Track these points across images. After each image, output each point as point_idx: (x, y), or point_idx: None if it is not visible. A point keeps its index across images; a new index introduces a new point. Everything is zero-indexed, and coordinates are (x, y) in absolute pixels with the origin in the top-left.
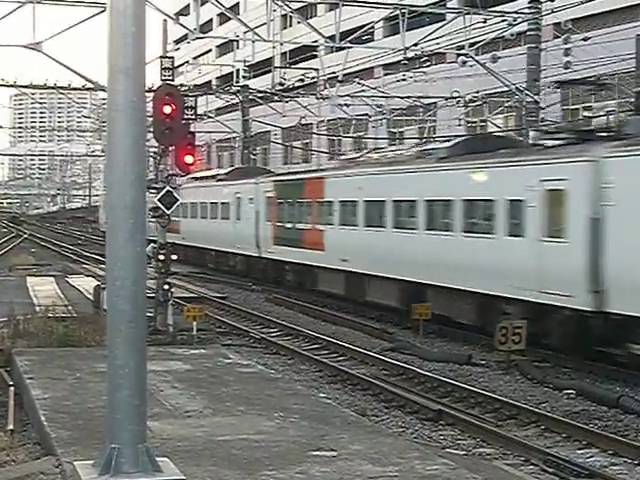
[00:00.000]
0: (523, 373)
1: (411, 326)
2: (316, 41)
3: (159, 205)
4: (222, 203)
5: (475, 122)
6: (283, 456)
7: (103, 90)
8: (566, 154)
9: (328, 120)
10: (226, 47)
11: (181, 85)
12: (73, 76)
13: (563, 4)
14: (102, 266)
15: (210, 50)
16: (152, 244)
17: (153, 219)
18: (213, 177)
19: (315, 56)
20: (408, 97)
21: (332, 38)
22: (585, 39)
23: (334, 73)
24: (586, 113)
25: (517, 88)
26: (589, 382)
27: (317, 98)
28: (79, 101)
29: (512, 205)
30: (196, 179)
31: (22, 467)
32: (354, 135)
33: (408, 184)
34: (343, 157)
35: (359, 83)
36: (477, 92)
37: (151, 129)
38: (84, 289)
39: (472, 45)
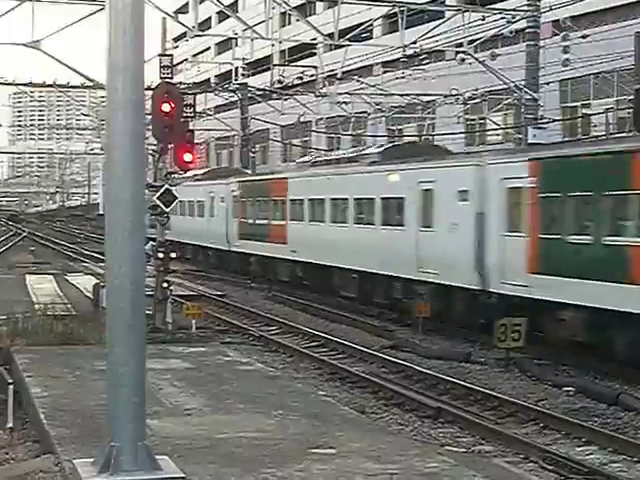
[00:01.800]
0: (522, 370)
1: (410, 324)
2: (315, 39)
3: (158, 203)
4: (390, 199)
5: (474, 119)
6: (283, 454)
7: (102, 88)
8: None
9: (327, 118)
10: (225, 45)
11: (180, 83)
12: (72, 74)
13: (561, 1)
14: (101, 264)
15: (209, 48)
16: (151, 242)
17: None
18: (351, 160)
19: (314, 54)
20: (407, 95)
21: (331, 36)
22: (584, 37)
23: (333, 71)
24: (585, 110)
25: (516, 86)
26: (588, 379)
27: (316, 96)
28: (78, 99)
29: None
30: (316, 164)
31: (22, 465)
32: (353, 133)
33: None
34: None
35: (358, 81)
36: (476, 90)
37: (150, 127)
38: (83, 287)
39: (471, 43)
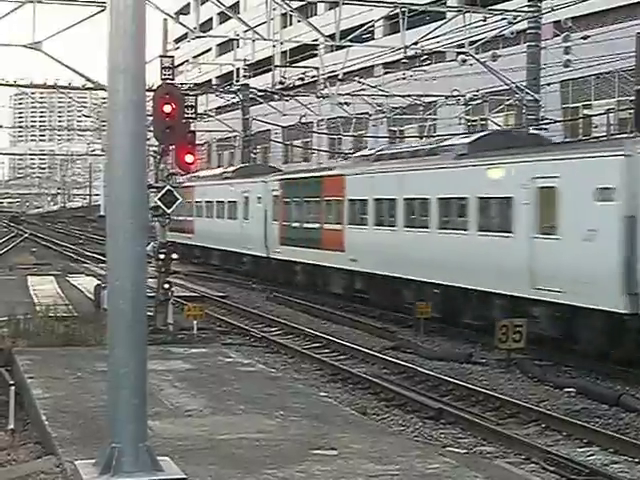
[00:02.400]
0: (523, 371)
1: (412, 325)
2: (316, 40)
3: (159, 204)
4: (491, 199)
5: (475, 121)
6: (284, 455)
7: (103, 89)
8: None
9: (328, 119)
10: (226, 46)
11: (181, 84)
12: (73, 75)
13: (563, 2)
14: (102, 265)
15: (210, 49)
16: (152, 243)
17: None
18: (429, 153)
19: (315, 55)
20: (408, 96)
21: (332, 37)
22: (585, 37)
23: (334, 72)
24: (586, 111)
25: (517, 86)
26: (589, 380)
27: (317, 97)
28: (79, 100)
29: None
30: (380, 158)
31: (23, 466)
32: (354, 134)
33: None
34: None
35: (359, 82)
36: (477, 91)
37: (151, 128)
38: (85, 288)
39: (472, 43)
